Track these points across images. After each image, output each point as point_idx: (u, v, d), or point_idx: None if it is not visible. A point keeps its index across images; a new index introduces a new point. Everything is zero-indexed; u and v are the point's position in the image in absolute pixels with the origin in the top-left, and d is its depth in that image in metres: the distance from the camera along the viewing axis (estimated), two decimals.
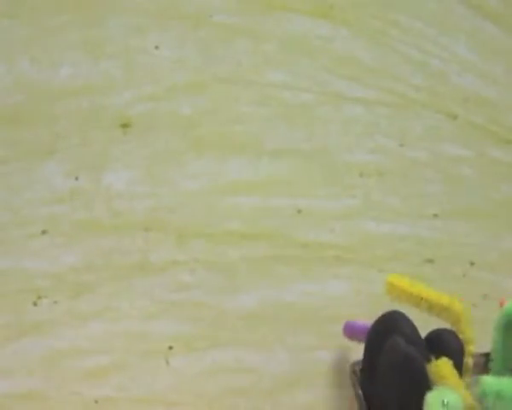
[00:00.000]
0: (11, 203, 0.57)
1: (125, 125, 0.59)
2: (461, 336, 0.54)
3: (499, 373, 0.50)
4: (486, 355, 0.54)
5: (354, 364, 0.58)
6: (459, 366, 0.52)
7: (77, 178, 0.59)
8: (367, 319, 0.61)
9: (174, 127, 0.60)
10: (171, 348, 0.60)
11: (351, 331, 0.60)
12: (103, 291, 0.58)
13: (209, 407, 0.60)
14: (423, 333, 0.54)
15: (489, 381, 0.47)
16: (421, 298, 0.53)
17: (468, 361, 0.54)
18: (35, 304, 0.57)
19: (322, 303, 0.63)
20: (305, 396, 0.62)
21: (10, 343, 0.57)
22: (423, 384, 0.49)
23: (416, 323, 0.54)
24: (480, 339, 0.63)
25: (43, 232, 0.58)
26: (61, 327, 0.58)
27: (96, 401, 0.59)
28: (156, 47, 0.60)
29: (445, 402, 0.46)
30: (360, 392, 0.55)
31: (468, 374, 0.53)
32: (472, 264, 0.66)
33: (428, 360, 0.50)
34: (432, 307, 0.53)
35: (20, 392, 0.57)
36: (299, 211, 0.62)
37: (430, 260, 0.65)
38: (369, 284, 0.64)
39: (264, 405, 0.61)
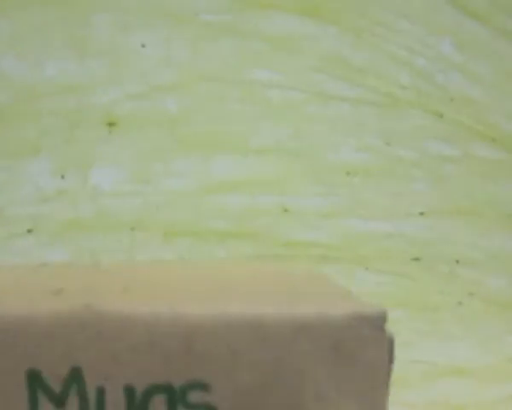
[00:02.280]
0: None
1: (111, 124, 0.59)
2: None
3: None
4: None
5: None
6: None
7: (63, 177, 0.58)
8: None
9: (160, 126, 0.60)
10: None
11: None
12: None
13: None
14: None
15: None
16: None
17: None
18: None
19: None
20: None
21: None
22: None
23: None
24: (465, 337, 0.64)
25: (29, 231, 0.57)
26: None
27: None
28: (142, 45, 0.60)
29: None
30: None
31: None
32: (457, 262, 0.66)
33: None
34: None
35: None
36: (286, 210, 0.62)
37: (416, 259, 0.65)
38: (355, 283, 0.64)
39: None
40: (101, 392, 0.29)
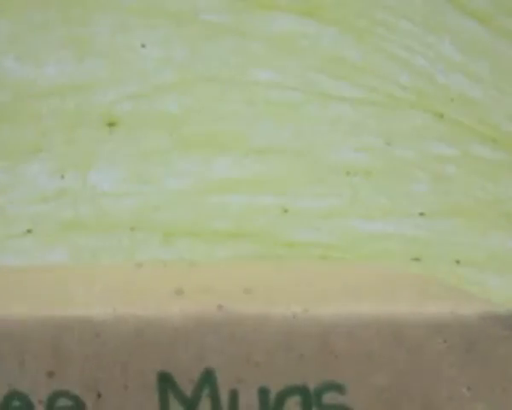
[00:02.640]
0: None
1: (111, 124, 0.59)
2: None
3: None
4: None
5: None
6: None
7: (62, 177, 0.58)
8: None
9: (161, 126, 0.60)
10: None
11: None
12: None
13: None
14: None
15: None
16: None
17: None
18: None
19: None
20: None
21: None
22: None
23: None
24: None
25: (29, 232, 0.57)
26: None
27: None
28: (142, 45, 0.60)
29: None
30: None
31: None
32: (458, 262, 0.66)
33: None
34: None
35: None
36: (286, 210, 0.62)
37: (416, 259, 0.65)
38: None
39: None
40: (234, 395, 0.28)
